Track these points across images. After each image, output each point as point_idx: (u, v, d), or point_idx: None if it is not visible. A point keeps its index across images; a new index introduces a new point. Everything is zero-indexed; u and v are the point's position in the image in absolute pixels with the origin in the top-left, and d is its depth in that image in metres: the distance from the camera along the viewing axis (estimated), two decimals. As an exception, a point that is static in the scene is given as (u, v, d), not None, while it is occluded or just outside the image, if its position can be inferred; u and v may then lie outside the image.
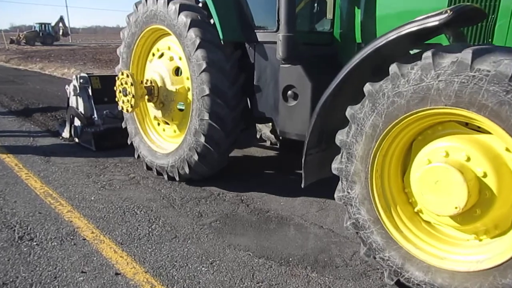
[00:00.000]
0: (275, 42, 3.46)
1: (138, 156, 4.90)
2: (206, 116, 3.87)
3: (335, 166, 2.69)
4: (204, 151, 4.02)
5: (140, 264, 2.94)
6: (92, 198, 4.06)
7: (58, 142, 6.07)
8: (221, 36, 3.89)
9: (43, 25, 44.59)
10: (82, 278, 2.76)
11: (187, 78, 4.15)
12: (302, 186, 3.11)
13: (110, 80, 5.49)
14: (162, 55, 4.54)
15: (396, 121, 2.33)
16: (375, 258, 2.63)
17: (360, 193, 2.59)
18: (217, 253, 3.09)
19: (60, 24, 47.44)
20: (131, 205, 3.92)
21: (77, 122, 5.86)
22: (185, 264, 2.93)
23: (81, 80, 5.74)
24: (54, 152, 5.56)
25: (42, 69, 18.12)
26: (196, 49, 3.82)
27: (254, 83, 3.96)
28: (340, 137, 2.62)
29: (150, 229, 3.44)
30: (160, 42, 4.62)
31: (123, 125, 5.16)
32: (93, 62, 20.10)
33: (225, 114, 3.92)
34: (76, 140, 5.92)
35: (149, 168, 4.74)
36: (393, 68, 2.32)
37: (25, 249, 3.10)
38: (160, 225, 3.53)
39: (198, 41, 3.81)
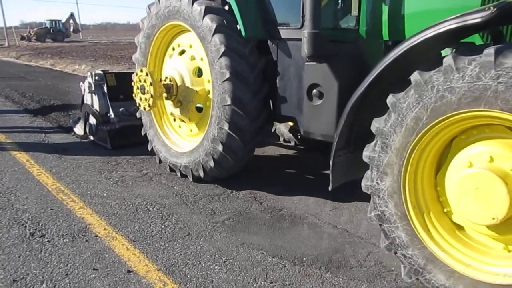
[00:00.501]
0: (299, 39, 3.36)
1: (152, 150, 4.83)
2: (226, 126, 3.79)
3: (366, 153, 2.55)
4: (220, 158, 3.94)
5: (153, 261, 2.91)
6: (105, 195, 4.05)
7: (70, 138, 6.08)
8: (243, 33, 3.80)
9: (53, 22, 44.94)
10: (94, 275, 2.74)
11: (208, 81, 4.06)
12: (330, 189, 3.02)
13: (125, 77, 5.47)
14: (183, 52, 4.42)
15: (443, 117, 2.17)
16: (396, 253, 2.54)
17: (390, 185, 2.46)
18: (230, 251, 3.05)
19: (71, 21, 47.78)
20: (143, 201, 3.90)
21: (92, 120, 5.78)
22: (198, 262, 2.90)
23: (96, 77, 5.66)
24: (66, 148, 5.57)
25: (53, 65, 18.24)
26: (220, 56, 3.72)
27: (277, 81, 3.86)
28: (377, 124, 2.46)
29: (162, 226, 3.42)
30: (181, 37, 4.47)
31: (138, 115, 5.07)
32: (104, 58, 20.16)
33: (245, 125, 3.83)
34: (91, 138, 5.84)
35: (161, 161, 4.70)
36: (448, 60, 2.12)
37: (36, 246, 3.10)
38: (173, 222, 3.50)
39: (222, 49, 3.70)
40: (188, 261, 2.92)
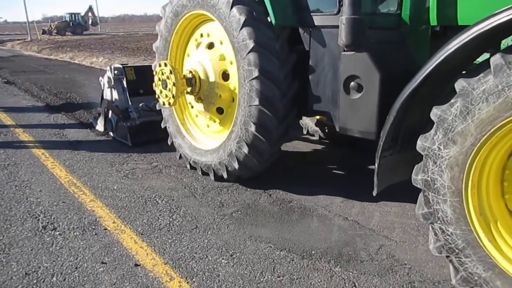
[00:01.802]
0: (335, 26, 3.09)
1: (172, 144, 4.67)
2: (252, 127, 3.56)
3: (417, 177, 2.32)
4: (245, 159, 3.75)
5: (160, 255, 2.90)
6: (115, 187, 4.06)
7: (84, 131, 6.13)
8: (272, 21, 3.49)
9: (73, 15, 45.50)
10: (102, 269, 2.75)
11: (234, 88, 3.84)
12: (374, 193, 2.76)
13: (145, 71, 5.32)
14: (210, 45, 4.08)
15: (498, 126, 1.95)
16: (432, 224, 2.33)
17: (454, 156, 2.16)
18: (237, 244, 3.01)
19: (89, 14, 48.26)
20: (152, 194, 3.90)
21: (112, 116, 5.64)
22: (205, 256, 2.87)
23: (116, 71, 5.48)
24: (80, 141, 5.63)
25: (72, 58, 18.52)
26: (248, 52, 3.45)
27: (309, 72, 3.54)
28: (424, 143, 2.25)
29: (171, 219, 3.41)
30: (205, 27, 4.15)
31: (157, 107, 4.86)
32: (120, 50, 20.33)
33: (273, 126, 3.59)
34: (111, 134, 5.71)
35: (181, 157, 4.53)
36: (497, 59, 1.93)
37: (48, 239, 3.13)
38: (181, 215, 3.48)
39: (251, 44, 3.42)
40: (195, 255, 2.89)
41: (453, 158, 2.17)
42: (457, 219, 2.21)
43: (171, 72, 3.94)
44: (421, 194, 2.36)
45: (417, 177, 2.34)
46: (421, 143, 2.29)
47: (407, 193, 3.81)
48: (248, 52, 3.45)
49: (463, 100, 2.08)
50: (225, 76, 3.94)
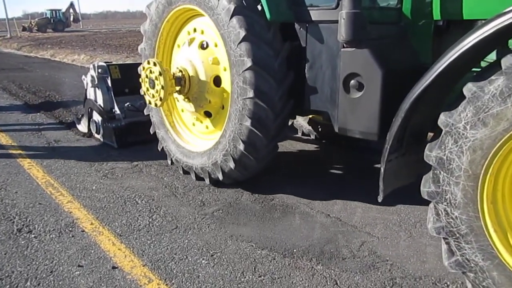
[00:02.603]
0: (334, 22, 2.97)
1: (162, 149, 4.45)
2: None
3: (430, 153, 2.15)
4: (241, 158, 3.53)
5: (139, 257, 2.83)
6: (94, 188, 3.96)
7: (63, 130, 5.99)
8: (268, 16, 3.31)
9: (54, 12, 44.60)
10: (78, 272, 2.67)
11: (226, 96, 3.67)
12: (380, 199, 2.61)
13: (130, 69, 5.07)
14: (204, 45, 3.85)
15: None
16: (436, 203, 2.21)
17: (479, 138, 2.00)
18: (218, 244, 2.96)
19: (71, 10, 47.42)
20: (132, 194, 3.82)
21: (96, 117, 5.36)
22: (185, 257, 2.82)
23: (99, 70, 5.19)
24: (59, 140, 5.49)
25: (52, 56, 18.13)
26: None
27: (306, 70, 3.37)
28: (448, 118, 2.06)
29: (150, 220, 3.33)
30: (200, 21, 3.87)
31: (145, 112, 4.62)
32: (103, 47, 20.03)
33: (269, 120, 3.39)
34: (97, 136, 5.43)
35: (173, 163, 4.33)
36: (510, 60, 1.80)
37: (22, 242, 3.03)
38: (161, 215, 3.41)
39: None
40: (174, 256, 2.83)
41: (478, 141, 2.00)
42: (466, 204, 2.07)
43: (155, 65, 3.71)
44: (431, 171, 2.19)
45: (431, 153, 2.16)
46: (445, 118, 2.09)
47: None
48: (245, 70, 3.28)
49: (507, 80, 1.88)
50: (217, 80, 3.73)
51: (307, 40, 3.35)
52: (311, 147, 5.09)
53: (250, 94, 3.28)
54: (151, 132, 4.55)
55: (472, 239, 2.09)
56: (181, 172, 4.22)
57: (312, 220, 3.28)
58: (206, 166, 3.80)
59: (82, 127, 5.78)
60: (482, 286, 2.08)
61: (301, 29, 3.38)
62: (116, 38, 26.08)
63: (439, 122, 2.08)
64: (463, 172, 2.06)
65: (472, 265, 2.10)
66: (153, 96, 3.82)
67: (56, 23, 43.65)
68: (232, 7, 3.26)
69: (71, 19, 47.62)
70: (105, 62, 5.37)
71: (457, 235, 2.14)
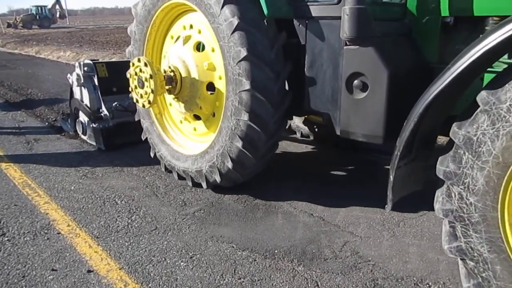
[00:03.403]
0: (335, 18, 2.83)
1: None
2: (245, 116, 3.15)
3: (459, 130, 1.95)
4: (240, 156, 3.33)
5: (115, 259, 2.74)
6: (72, 188, 3.86)
7: (43, 128, 5.85)
8: (265, 12, 3.15)
9: (39, 8, 43.89)
10: (52, 276, 2.58)
11: (218, 105, 3.51)
12: (388, 209, 2.44)
13: (118, 67, 4.83)
14: (199, 45, 3.68)
15: None
16: (451, 185, 2.05)
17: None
18: (198, 246, 2.89)
19: (57, 7, 46.65)
20: (112, 194, 3.72)
21: (82, 117, 5.10)
22: (163, 259, 2.74)
23: (85, 68, 4.92)
24: (39, 139, 5.35)
25: (38, 52, 17.83)
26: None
27: (305, 69, 3.20)
28: (488, 96, 1.85)
29: (129, 221, 3.25)
30: (197, 17, 3.60)
31: (136, 118, 4.39)
32: (89, 44, 19.76)
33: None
34: (84, 137, 5.16)
35: (168, 170, 4.08)
36: None
37: (-5, 246, 2.92)
38: (141, 216, 3.33)
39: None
40: (152, 258, 2.75)
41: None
42: (486, 192, 1.91)
43: (146, 65, 3.50)
44: (452, 150, 2.01)
45: (460, 130, 1.96)
46: (486, 95, 1.87)
47: (372, 186, 3.81)
48: (242, 91, 3.12)
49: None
50: (210, 85, 3.56)
51: (306, 38, 3.18)
52: (298, 146, 5.03)
53: (245, 117, 3.14)
54: (135, 119, 4.38)
55: (482, 228, 1.95)
56: (163, 169, 4.12)
57: (295, 220, 3.22)
58: (189, 171, 3.71)
59: (68, 128, 5.46)
60: (480, 276, 1.99)
61: (300, 25, 3.21)
62: (103, 34, 25.75)
63: (478, 98, 1.89)
64: (493, 158, 1.87)
65: (475, 254, 1.98)
66: (142, 97, 3.65)
67: (42, 19, 42.98)
68: (235, 21, 3.05)
69: (57, 15, 46.86)
70: (92, 60, 5.12)
71: (467, 221, 1.99)
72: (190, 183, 3.80)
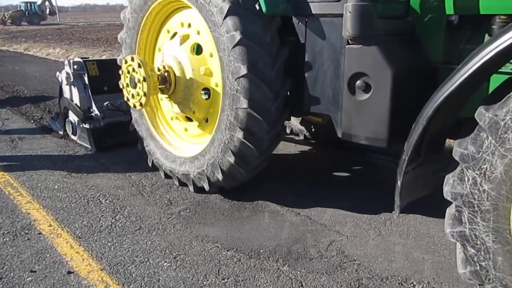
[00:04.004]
0: (337, 15, 2.73)
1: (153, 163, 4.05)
2: (239, 134, 3.09)
3: (486, 112, 1.82)
4: (231, 170, 3.29)
5: (97, 260, 2.69)
6: (56, 187, 3.78)
7: (28, 126, 5.75)
8: (263, 9, 3.01)
9: (28, 4, 43.29)
10: (30, 278, 2.51)
11: (212, 112, 3.42)
12: (396, 216, 2.37)
13: (109, 65, 4.67)
14: (197, 48, 3.55)
15: None
16: (466, 168, 1.95)
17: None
18: (182, 245, 2.84)
19: (46, 3, 46.09)
20: (96, 193, 3.66)
21: (72, 117, 4.95)
22: (146, 260, 2.69)
23: (75, 66, 4.75)
24: (23, 137, 5.25)
25: (27, 49, 17.58)
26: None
27: (305, 69, 3.08)
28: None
29: (113, 220, 3.19)
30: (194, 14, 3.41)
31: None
32: (79, 41, 19.56)
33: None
34: (73, 137, 5.01)
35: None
36: None
37: (-27, 247, 2.85)
38: (125, 215, 3.27)
39: (238, 36, 2.92)
40: (135, 259, 2.70)
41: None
42: (503, 181, 1.82)
43: (139, 66, 3.35)
44: (474, 132, 1.91)
45: (487, 113, 1.83)
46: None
47: (360, 185, 3.80)
48: (238, 108, 3.04)
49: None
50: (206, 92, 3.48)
51: (306, 36, 3.05)
52: (287, 145, 5.00)
53: (239, 134, 3.08)
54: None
55: (491, 217, 1.88)
56: (150, 165, 4.04)
57: (282, 219, 3.19)
58: (175, 171, 3.64)
59: (57, 128, 5.28)
60: (479, 264, 1.94)
61: (300, 23, 3.08)
62: (94, 31, 25.52)
63: None
64: (508, 142, 1.76)
65: (478, 242, 1.92)
66: (133, 97, 3.51)
67: (31, 16, 42.42)
68: (237, 36, 2.93)
69: (47, 12, 46.28)
70: (82, 58, 4.95)
71: (476, 208, 1.92)
72: (176, 183, 3.74)
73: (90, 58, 5.14)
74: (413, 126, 2.10)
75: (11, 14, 42.22)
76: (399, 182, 2.19)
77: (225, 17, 2.97)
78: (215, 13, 3.03)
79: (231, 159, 3.18)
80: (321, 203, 3.43)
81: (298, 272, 2.56)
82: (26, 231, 3.04)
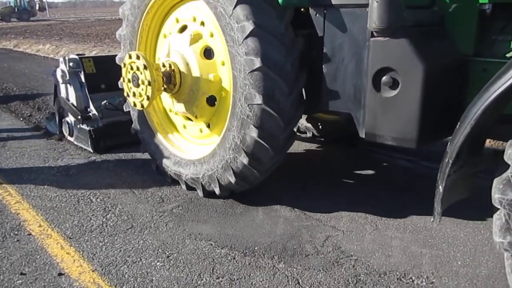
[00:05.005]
0: (359, 6, 2.57)
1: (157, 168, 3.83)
2: (253, 132, 2.87)
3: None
4: (244, 171, 3.08)
5: (88, 261, 2.62)
6: (45, 186, 3.70)
7: (17, 124, 5.64)
8: (279, 1, 2.83)
9: (18, 0, 42.67)
10: (20, 281, 2.44)
11: (215, 118, 3.26)
12: (436, 223, 2.15)
13: (106, 62, 4.44)
14: (207, 51, 3.26)
15: None
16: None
17: None
18: (175, 244, 2.78)
19: (36, -1, 45.44)
20: (87, 192, 3.58)
21: (68, 117, 4.75)
22: (139, 259, 2.63)
23: (71, 64, 4.54)
24: (12, 135, 5.15)
25: (16, 46, 17.29)
26: (246, 37, 2.75)
27: (323, 64, 2.87)
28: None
29: (104, 219, 3.12)
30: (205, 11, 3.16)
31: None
32: (69, 37, 19.28)
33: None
34: (70, 139, 4.78)
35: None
36: None
37: (-40, 249, 2.77)
38: (116, 214, 3.20)
39: (250, 26, 2.72)
40: (127, 259, 2.63)
41: None
42: None
43: (138, 58, 3.13)
44: None
45: None
46: None
47: (355, 179, 3.75)
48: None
49: None
50: (211, 99, 3.26)
51: (325, 29, 2.83)
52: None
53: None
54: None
55: None
56: (142, 152, 3.93)
57: (276, 215, 3.14)
58: (169, 169, 3.55)
59: (53, 128, 5.06)
60: None
61: (318, 15, 2.86)
62: (84, 27, 25.18)
63: None
64: None
65: None
66: (134, 95, 3.26)
67: (21, 12, 41.75)
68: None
69: (37, 7, 45.59)
70: (78, 55, 4.78)
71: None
72: (169, 180, 3.67)
73: (86, 55, 4.95)
74: (458, 126, 1.92)
75: (1, 10, 41.54)
76: (441, 187, 2.01)
77: (246, 38, 2.75)
78: (235, 29, 2.79)
79: (245, 160, 2.98)
80: (316, 198, 3.39)
81: (294, 269, 2.51)
82: (16, 232, 2.96)
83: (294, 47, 2.90)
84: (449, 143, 1.97)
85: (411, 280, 2.40)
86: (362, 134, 2.76)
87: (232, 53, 2.87)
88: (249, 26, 2.72)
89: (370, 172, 3.97)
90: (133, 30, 3.61)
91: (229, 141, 3.02)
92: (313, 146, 4.66)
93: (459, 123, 1.94)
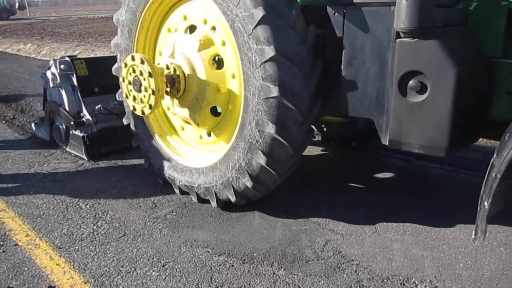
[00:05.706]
0: (383, 4, 2.42)
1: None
2: (270, 128, 2.67)
3: None
4: (261, 173, 2.89)
5: (80, 272, 2.51)
6: (32, 193, 3.55)
7: (0, 128, 5.44)
8: None
9: (-4, -2, 41.66)
10: (7, 295, 2.32)
11: (217, 128, 3.11)
12: (479, 241, 1.94)
13: (99, 64, 4.29)
14: (218, 60, 3.13)
15: None
16: None
17: None
18: (170, 252, 2.69)
19: (16, -3, 44.40)
20: (75, 198, 3.45)
21: (59, 122, 4.51)
22: (133, 269, 2.52)
23: (62, 66, 4.29)
24: (-6, 139, 4.97)
25: (-5, 46, 16.84)
26: (256, 26, 2.56)
27: (343, 67, 2.71)
28: None
29: (95, 227, 3.00)
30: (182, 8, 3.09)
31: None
32: (51, 36, 18.85)
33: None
34: (62, 146, 4.58)
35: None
36: None
37: None
38: (108, 221, 3.09)
39: (260, 14, 2.53)
40: (121, 269, 2.53)
41: None
42: None
43: (142, 62, 2.91)
44: None
45: None
46: None
47: (352, 180, 3.70)
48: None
49: None
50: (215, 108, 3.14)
51: (344, 29, 2.67)
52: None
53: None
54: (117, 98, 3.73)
55: None
56: (134, 145, 3.75)
57: (273, 219, 3.06)
58: (162, 171, 3.45)
59: (43, 134, 4.80)
60: None
61: (336, 14, 2.69)
62: (66, 26, 24.65)
63: None
64: None
65: None
66: (134, 100, 3.07)
67: (0, 11, 40.83)
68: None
69: (17, 6, 44.59)
70: (69, 56, 4.51)
71: None
72: (161, 182, 3.56)
73: (77, 56, 4.71)
74: (506, 137, 1.76)
75: (-22, 9, 40.51)
76: (486, 203, 1.82)
77: (264, 62, 2.58)
78: (253, 50, 2.60)
79: (261, 160, 2.79)
80: (313, 201, 3.32)
81: (295, 276, 2.44)
82: (1, 243, 2.83)
83: (313, 74, 2.75)
84: (495, 155, 1.82)
85: (414, 284, 2.35)
86: (386, 142, 2.61)
87: (247, 74, 2.69)
88: (270, 52, 2.54)
89: (366, 173, 3.92)
90: (133, 17, 3.37)
91: (233, 161, 2.91)
92: (309, 148, 4.58)
93: (507, 134, 1.79)
